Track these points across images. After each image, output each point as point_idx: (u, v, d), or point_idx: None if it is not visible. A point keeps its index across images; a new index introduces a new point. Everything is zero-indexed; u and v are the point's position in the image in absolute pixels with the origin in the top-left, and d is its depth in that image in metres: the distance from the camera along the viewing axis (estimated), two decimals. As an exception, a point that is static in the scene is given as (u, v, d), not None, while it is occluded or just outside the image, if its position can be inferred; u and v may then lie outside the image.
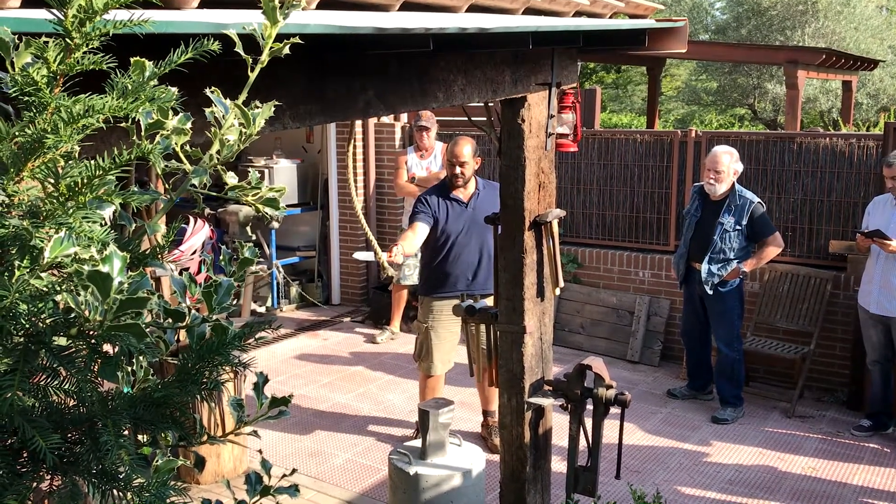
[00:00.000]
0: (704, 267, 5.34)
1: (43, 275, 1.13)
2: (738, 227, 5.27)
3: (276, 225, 7.61)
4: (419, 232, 4.64)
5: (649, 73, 11.62)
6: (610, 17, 3.71)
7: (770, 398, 5.80)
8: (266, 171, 7.66)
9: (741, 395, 5.50)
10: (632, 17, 3.99)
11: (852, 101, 11.50)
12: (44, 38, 1.13)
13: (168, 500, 1.32)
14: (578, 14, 3.45)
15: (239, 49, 1.35)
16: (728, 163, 5.27)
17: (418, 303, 4.99)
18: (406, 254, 4.45)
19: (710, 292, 5.35)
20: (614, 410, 3.28)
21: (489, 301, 4.70)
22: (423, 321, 4.83)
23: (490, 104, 3.31)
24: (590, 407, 3.26)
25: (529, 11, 3.12)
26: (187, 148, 1.40)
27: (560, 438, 4.16)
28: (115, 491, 1.24)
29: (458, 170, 4.67)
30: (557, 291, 3.43)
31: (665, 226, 6.73)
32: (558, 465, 4.07)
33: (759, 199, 5.32)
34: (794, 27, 16.34)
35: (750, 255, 5.33)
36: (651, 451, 4.96)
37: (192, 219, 5.50)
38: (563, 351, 6.56)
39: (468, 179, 4.73)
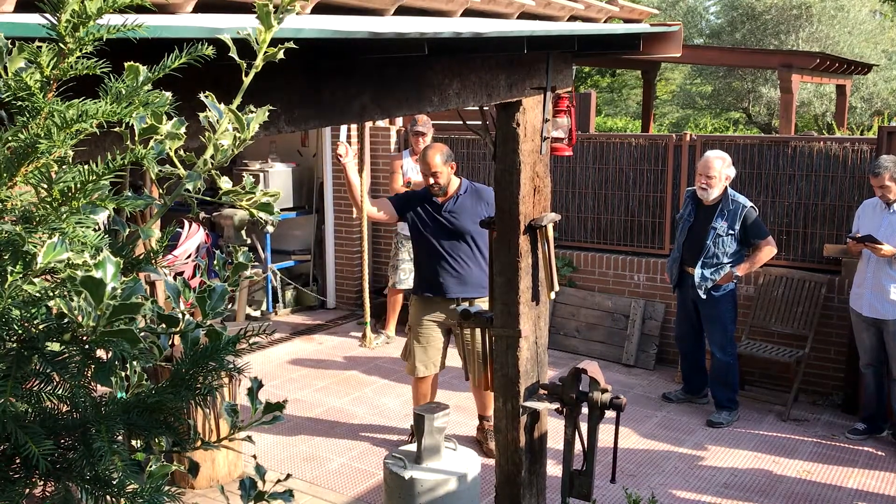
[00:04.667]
0: (697, 271, 5.34)
1: (36, 280, 1.12)
2: (730, 232, 5.28)
3: (270, 229, 7.60)
4: (380, 202, 4.82)
5: (644, 77, 11.61)
6: (605, 22, 3.72)
7: (765, 402, 5.80)
8: (261, 174, 7.66)
9: (736, 398, 5.51)
10: (626, 21, 4.00)
11: (846, 104, 11.51)
12: (37, 43, 1.13)
13: (162, 506, 1.31)
14: (573, 18, 3.46)
15: (233, 54, 1.35)
16: (720, 168, 5.28)
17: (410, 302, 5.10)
18: (349, 162, 4.56)
19: (704, 297, 5.35)
20: (609, 414, 3.27)
21: (483, 304, 4.71)
22: (410, 321, 4.91)
23: (485, 108, 3.31)
24: (585, 411, 3.26)
25: (524, 16, 3.13)
26: (181, 152, 1.39)
27: (555, 442, 4.16)
28: (108, 497, 1.23)
29: (431, 180, 4.66)
30: (552, 295, 3.43)
31: (660, 229, 6.74)
32: (553, 469, 4.06)
33: (752, 204, 5.33)
34: (788, 31, 16.36)
35: (743, 260, 5.34)
36: (646, 454, 4.96)
37: (186, 223, 5.49)
38: (558, 354, 6.56)
39: (445, 185, 4.70)
